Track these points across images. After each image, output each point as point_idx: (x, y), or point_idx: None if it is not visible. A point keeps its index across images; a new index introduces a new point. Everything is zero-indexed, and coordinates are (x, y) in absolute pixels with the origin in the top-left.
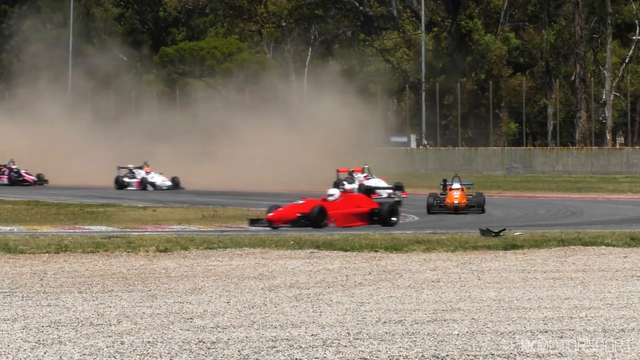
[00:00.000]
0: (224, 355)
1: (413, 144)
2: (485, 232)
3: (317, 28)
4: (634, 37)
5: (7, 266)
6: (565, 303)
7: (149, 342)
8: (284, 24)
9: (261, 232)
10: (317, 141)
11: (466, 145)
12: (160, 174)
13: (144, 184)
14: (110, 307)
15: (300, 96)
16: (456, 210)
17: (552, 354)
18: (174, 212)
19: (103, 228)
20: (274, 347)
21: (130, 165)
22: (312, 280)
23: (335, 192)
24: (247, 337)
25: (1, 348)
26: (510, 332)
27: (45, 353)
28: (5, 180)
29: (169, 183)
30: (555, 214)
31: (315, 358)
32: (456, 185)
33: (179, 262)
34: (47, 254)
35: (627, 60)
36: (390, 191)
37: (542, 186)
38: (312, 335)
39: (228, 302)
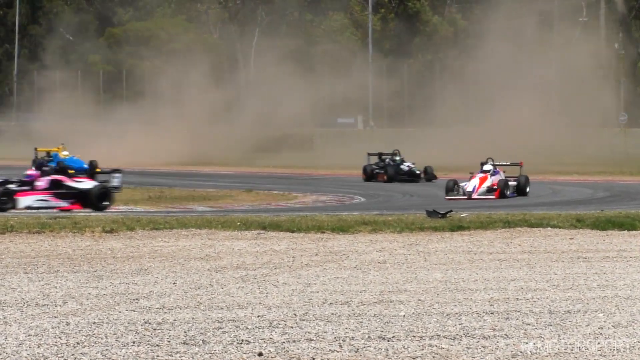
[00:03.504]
0: (169, 336)
1: (360, 125)
2: (432, 214)
3: (263, 9)
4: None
5: None
6: (511, 284)
7: (94, 322)
8: (230, 5)
9: (208, 212)
10: None
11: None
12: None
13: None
14: (55, 287)
15: None
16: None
17: (498, 335)
18: (120, 192)
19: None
20: (220, 328)
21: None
22: (258, 262)
23: None
24: (193, 318)
25: None
26: (456, 314)
27: None
28: None
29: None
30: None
31: (262, 339)
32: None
33: (125, 242)
34: None
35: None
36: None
37: None
38: (259, 316)
39: (174, 283)
